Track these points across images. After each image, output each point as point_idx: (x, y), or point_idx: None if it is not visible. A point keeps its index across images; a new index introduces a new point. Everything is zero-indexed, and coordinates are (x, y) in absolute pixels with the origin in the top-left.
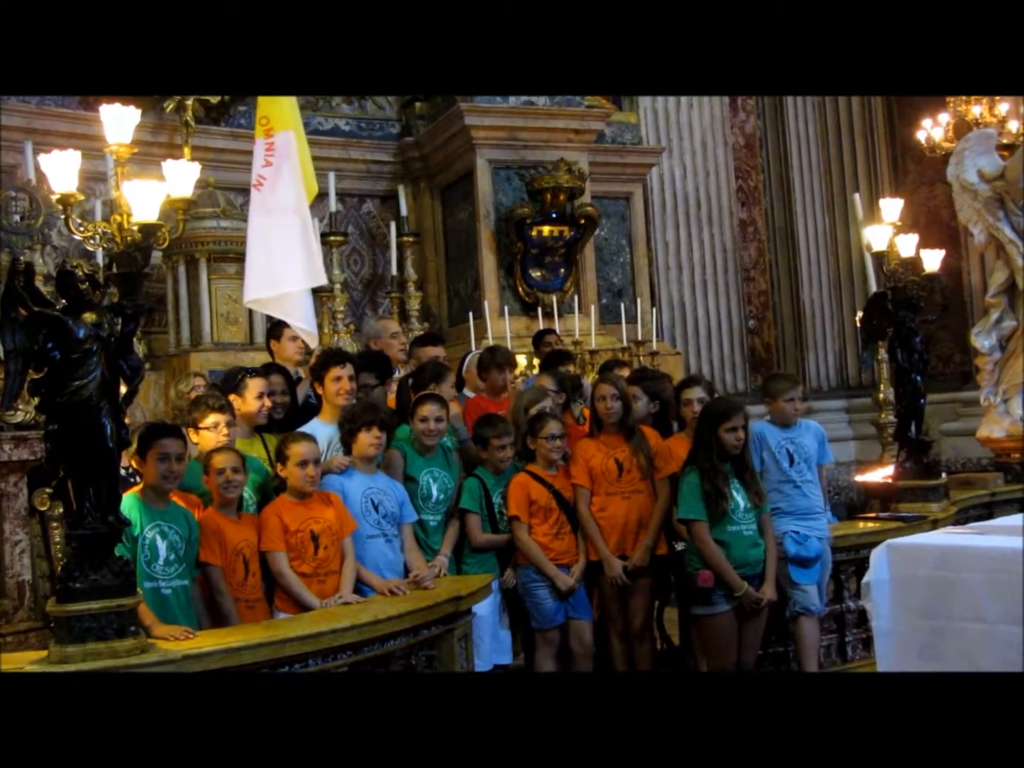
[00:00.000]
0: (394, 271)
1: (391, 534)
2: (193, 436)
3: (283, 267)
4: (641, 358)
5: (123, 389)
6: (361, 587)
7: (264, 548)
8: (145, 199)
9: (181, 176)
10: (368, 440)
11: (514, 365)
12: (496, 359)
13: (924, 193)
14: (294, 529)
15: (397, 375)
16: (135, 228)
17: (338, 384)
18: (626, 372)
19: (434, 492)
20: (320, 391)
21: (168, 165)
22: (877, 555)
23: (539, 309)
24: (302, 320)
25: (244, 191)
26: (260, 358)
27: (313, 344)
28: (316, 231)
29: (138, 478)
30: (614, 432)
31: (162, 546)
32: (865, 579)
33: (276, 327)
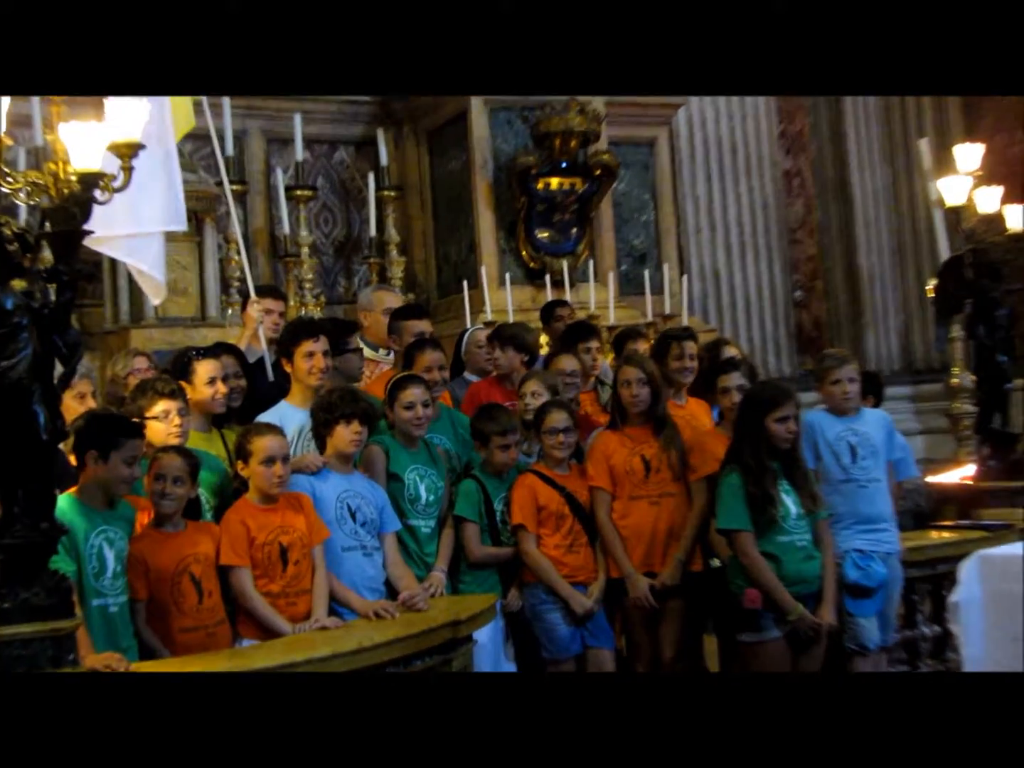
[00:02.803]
0: (372, 232)
1: (371, 546)
2: None
3: (136, 203)
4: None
5: (59, 370)
6: (338, 609)
7: (225, 563)
8: (85, 144)
9: (127, 115)
10: (347, 435)
11: (534, 350)
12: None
13: (1003, 140)
14: (260, 542)
15: (387, 359)
16: (73, 178)
17: (310, 361)
18: (644, 346)
19: (422, 493)
20: (288, 369)
21: (112, 103)
22: (967, 569)
23: (547, 277)
24: (150, 265)
25: (198, 137)
26: (214, 336)
27: (157, 299)
28: (177, 169)
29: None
30: (640, 424)
31: (110, 556)
32: (952, 598)
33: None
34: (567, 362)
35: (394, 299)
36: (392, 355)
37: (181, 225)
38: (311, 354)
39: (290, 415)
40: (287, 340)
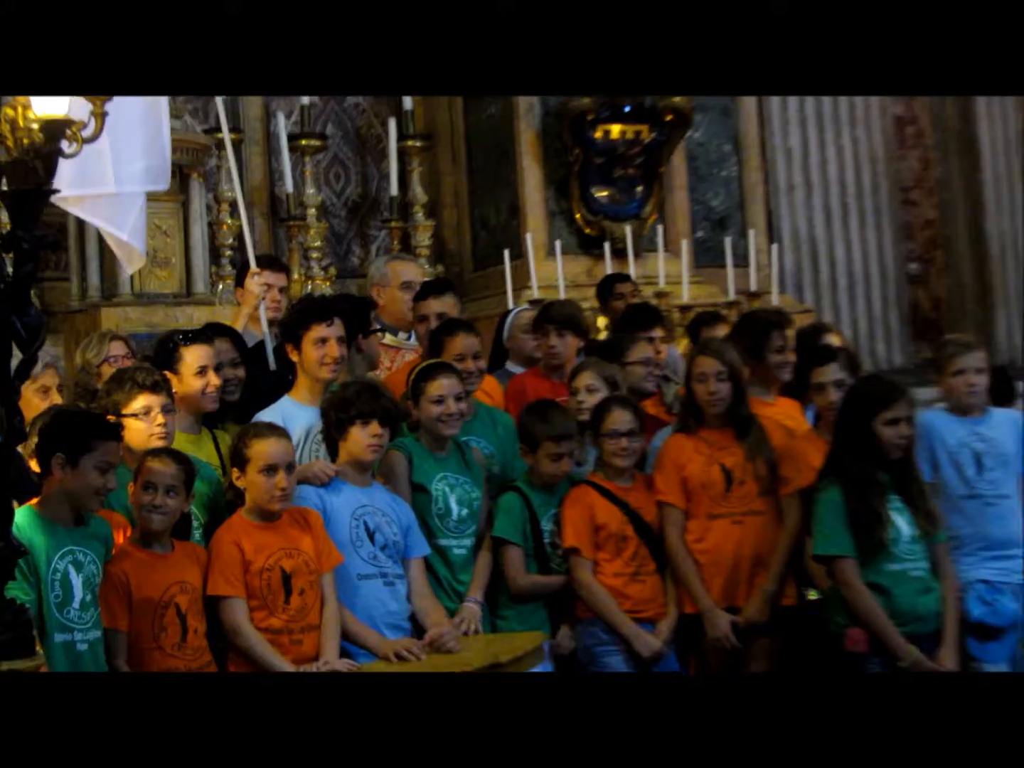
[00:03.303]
0: (394, 191)
1: (393, 574)
2: None
3: (114, 157)
4: None
5: (17, 358)
6: (352, 649)
7: (213, 592)
8: None
9: None
10: (364, 439)
11: (585, 331)
12: (538, 317)
13: None
14: (259, 567)
15: (409, 344)
16: (35, 126)
17: (322, 349)
18: (722, 331)
19: (454, 507)
20: (295, 358)
21: None
22: None
23: (606, 245)
24: (129, 232)
25: None
26: (203, 316)
27: (133, 267)
28: (166, 117)
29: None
30: (719, 426)
31: (77, 582)
32: None
33: (246, 268)
34: (641, 350)
35: (414, 270)
36: (415, 339)
37: (163, 185)
38: (323, 341)
39: (295, 414)
40: (294, 323)
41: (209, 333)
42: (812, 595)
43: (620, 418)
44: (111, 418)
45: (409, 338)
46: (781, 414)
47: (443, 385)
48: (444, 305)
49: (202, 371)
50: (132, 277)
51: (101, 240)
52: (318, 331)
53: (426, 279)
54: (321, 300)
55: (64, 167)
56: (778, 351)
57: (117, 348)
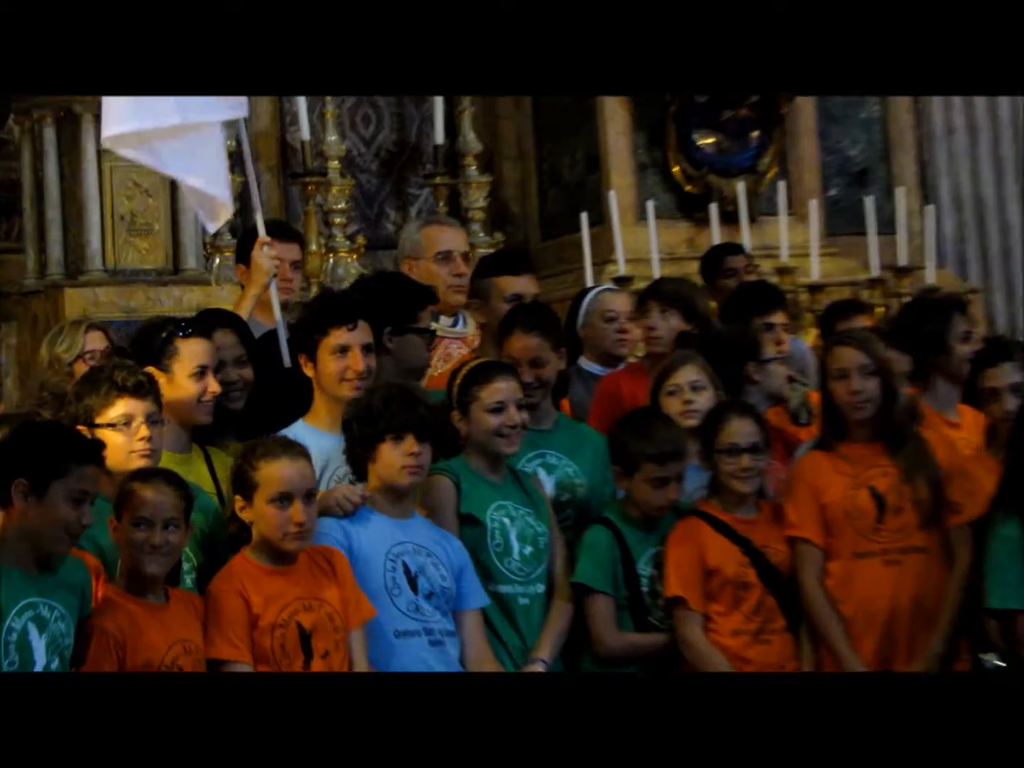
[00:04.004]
0: (439, 138)
1: (440, 629)
2: None
3: None
4: (904, 299)
5: None
6: None
7: (213, 656)
8: None
9: None
10: (398, 458)
11: (700, 316)
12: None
13: None
14: (269, 623)
15: (454, 331)
16: None
17: (342, 361)
18: (863, 323)
19: (514, 543)
20: (309, 372)
21: None
22: None
23: (712, 207)
24: (207, 178)
25: None
26: (195, 299)
27: (218, 222)
28: None
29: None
30: (867, 438)
31: (39, 645)
32: None
33: (251, 236)
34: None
35: (452, 236)
36: (462, 325)
37: (243, 109)
38: (343, 350)
39: (310, 443)
40: (307, 328)
41: (209, 322)
42: (990, 660)
43: (741, 429)
44: (83, 429)
45: (455, 324)
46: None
47: (502, 389)
48: (522, 286)
49: (200, 372)
50: (104, 246)
51: (64, 202)
52: (337, 337)
53: (467, 250)
54: (339, 298)
55: (112, 101)
56: (963, 340)
57: (95, 341)
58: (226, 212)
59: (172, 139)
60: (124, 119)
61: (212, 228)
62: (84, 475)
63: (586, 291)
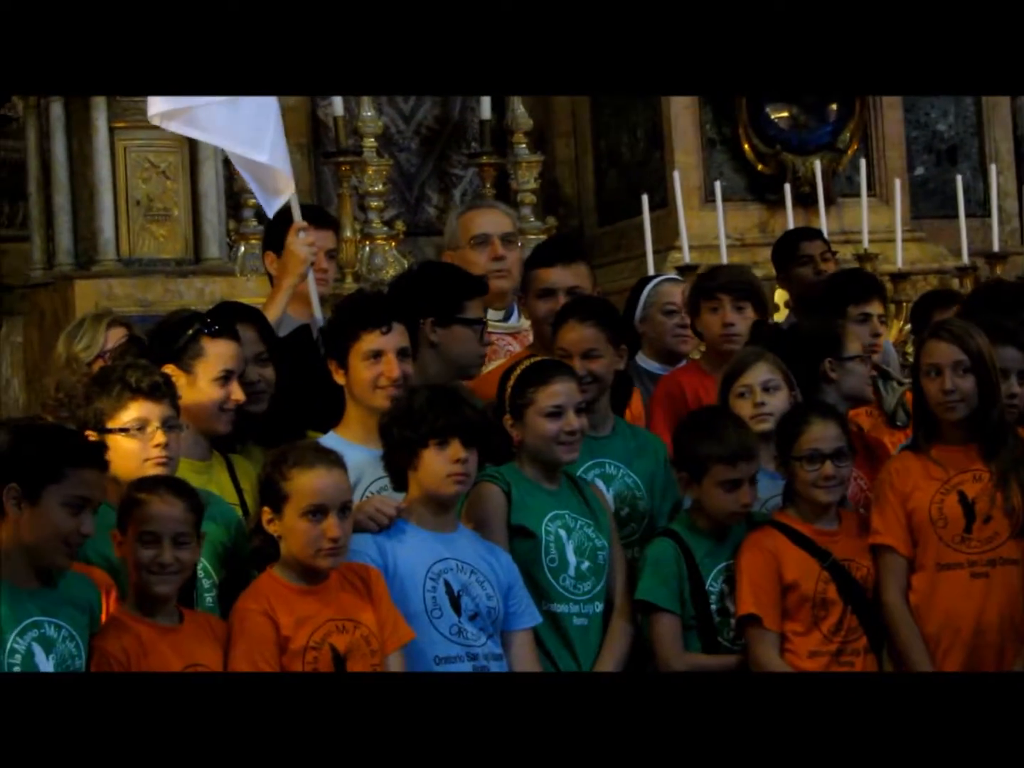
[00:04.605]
0: (486, 113)
1: (486, 653)
2: None
3: None
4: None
5: None
6: None
7: None
8: None
9: None
10: (442, 465)
11: (751, 297)
12: (707, 284)
13: None
14: (301, 646)
15: (506, 325)
16: None
17: (375, 367)
18: (948, 315)
19: (571, 557)
20: (340, 379)
21: None
22: None
23: (786, 188)
24: (270, 153)
25: None
26: (218, 291)
27: (277, 202)
28: None
29: None
30: (961, 441)
31: (47, 666)
32: None
33: (281, 220)
34: (856, 336)
35: (491, 218)
36: (516, 318)
37: None
38: (377, 355)
39: (344, 454)
40: (337, 331)
41: (226, 320)
42: None
43: (823, 433)
44: (91, 434)
45: (509, 318)
46: None
47: (560, 392)
48: (574, 276)
49: (226, 377)
50: (118, 234)
51: (74, 186)
52: (370, 342)
53: (510, 231)
54: (374, 297)
55: None
56: None
57: (117, 337)
58: (289, 188)
59: (226, 110)
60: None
61: (275, 207)
62: (82, 480)
63: (645, 281)
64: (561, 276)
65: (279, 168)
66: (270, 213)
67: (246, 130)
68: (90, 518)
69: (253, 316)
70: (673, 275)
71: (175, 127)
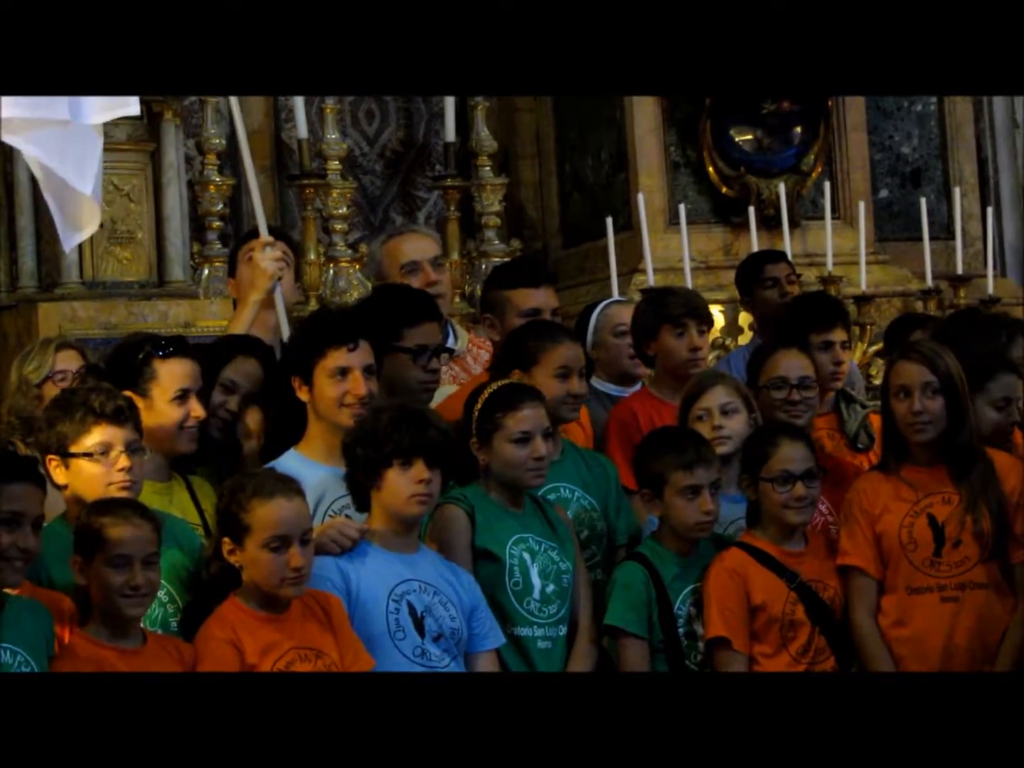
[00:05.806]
0: (450, 135)
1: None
2: (57, 473)
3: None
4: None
5: None
6: None
7: None
8: None
9: None
10: (405, 486)
11: (709, 321)
12: (670, 310)
13: None
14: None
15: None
16: None
17: (341, 385)
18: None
19: (535, 580)
20: (304, 396)
21: None
22: None
23: (751, 211)
24: (89, 185)
25: None
26: (180, 315)
27: (79, 236)
28: None
29: None
30: (929, 463)
31: None
32: None
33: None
34: (796, 362)
35: (417, 243)
36: (452, 341)
37: (135, 106)
38: (343, 372)
39: (304, 474)
40: (301, 348)
41: (227, 350)
42: None
43: (793, 454)
44: (53, 459)
45: (444, 341)
46: None
47: (529, 417)
48: (541, 299)
49: (182, 396)
50: (81, 260)
51: (38, 206)
52: (337, 359)
53: (438, 255)
54: (336, 315)
55: None
56: None
57: (67, 360)
58: (93, 225)
59: (59, 133)
60: (15, 104)
61: (74, 242)
62: (12, 495)
63: (592, 307)
64: (546, 298)
65: (97, 204)
66: (68, 248)
67: (75, 159)
68: (29, 534)
69: (255, 348)
70: (618, 297)
71: (8, 138)
